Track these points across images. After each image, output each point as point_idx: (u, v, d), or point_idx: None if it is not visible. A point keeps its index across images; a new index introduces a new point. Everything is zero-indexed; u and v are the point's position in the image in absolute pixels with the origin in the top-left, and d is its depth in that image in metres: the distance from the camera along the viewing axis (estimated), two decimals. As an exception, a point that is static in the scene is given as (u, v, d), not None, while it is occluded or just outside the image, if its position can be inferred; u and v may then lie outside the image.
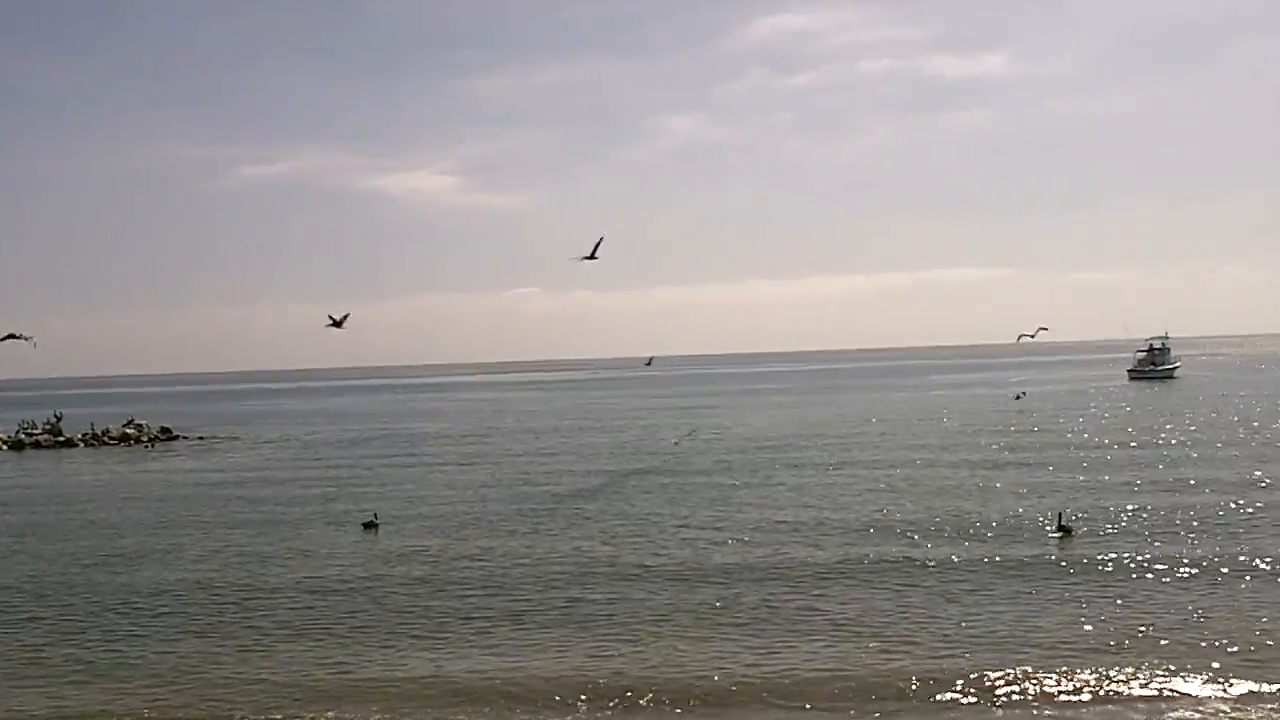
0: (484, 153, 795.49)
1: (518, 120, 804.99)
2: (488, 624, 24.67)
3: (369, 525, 37.96)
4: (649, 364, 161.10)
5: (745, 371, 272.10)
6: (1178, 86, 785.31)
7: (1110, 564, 28.04)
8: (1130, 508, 36.43)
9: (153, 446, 79.73)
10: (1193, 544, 30.28)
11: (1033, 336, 70.09)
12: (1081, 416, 79.90)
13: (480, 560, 31.54)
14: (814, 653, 21.52)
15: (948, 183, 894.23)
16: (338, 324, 43.36)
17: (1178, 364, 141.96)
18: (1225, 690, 18.86)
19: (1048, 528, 33.03)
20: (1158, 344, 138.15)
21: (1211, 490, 39.92)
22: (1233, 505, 36.14)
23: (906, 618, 23.76)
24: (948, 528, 34.04)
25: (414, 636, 23.90)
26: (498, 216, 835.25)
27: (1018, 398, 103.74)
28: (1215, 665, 19.93)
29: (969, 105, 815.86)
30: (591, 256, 40.53)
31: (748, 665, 20.97)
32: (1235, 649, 20.83)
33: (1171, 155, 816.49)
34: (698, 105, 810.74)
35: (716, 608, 25.03)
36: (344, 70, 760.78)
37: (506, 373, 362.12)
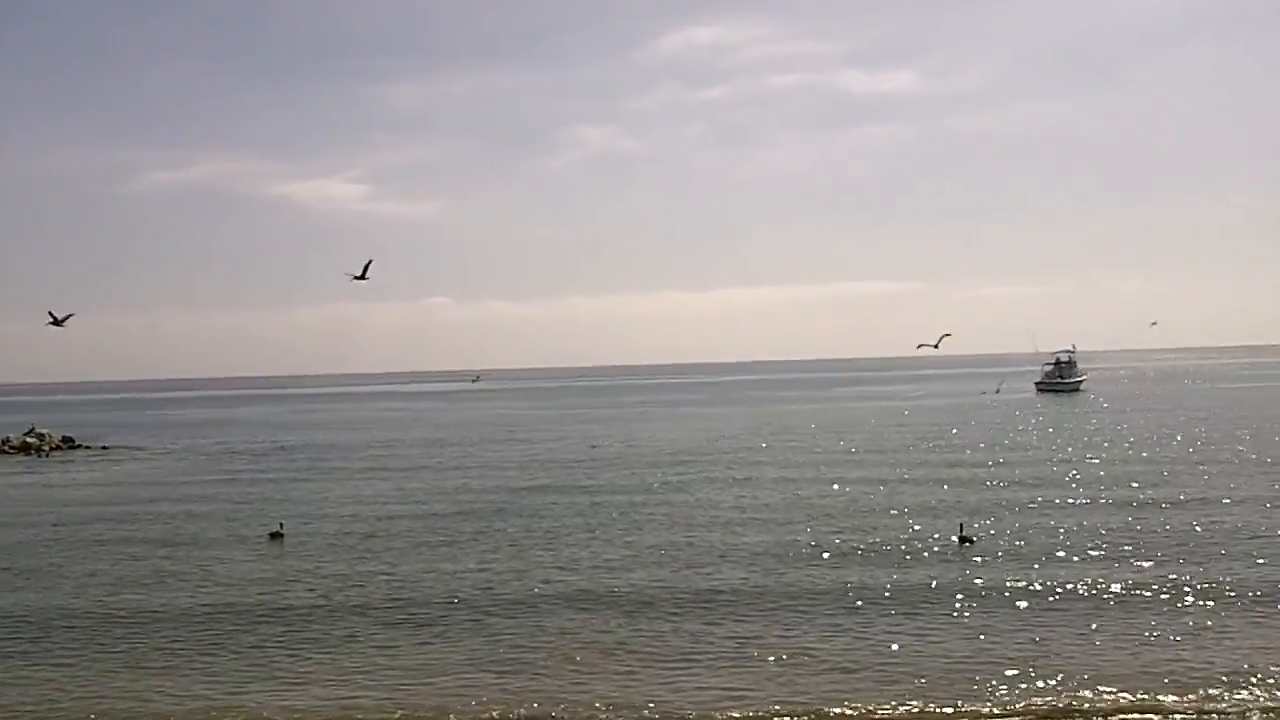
0: (395, 161, 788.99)
1: (429, 128, 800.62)
2: (389, 642, 24.14)
3: (275, 535, 37.48)
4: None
5: (661, 382, 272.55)
6: (1082, 101, 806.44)
7: (1009, 580, 28.05)
8: (1032, 521, 36.89)
9: (48, 456, 77.08)
10: (1092, 560, 30.63)
11: (935, 346, 70.33)
12: (989, 428, 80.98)
13: (384, 577, 30.83)
14: (705, 684, 21.06)
15: (857, 196, 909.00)
16: (58, 323, 41.72)
17: (1084, 377, 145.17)
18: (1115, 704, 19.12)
19: (950, 539, 33.30)
20: (1064, 357, 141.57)
21: (1113, 503, 40.57)
22: (1130, 520, 36.72)
23: (801, 641, 23.65)
24: (849, 544, 34.01)
25: (310, 658, 23.28)
26: (409, 225, 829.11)
27: (998, 391, 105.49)
28: (1105, 687, 20.07)
29: (878, 120, 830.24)
30: (362, 277, 40.25)
31: (644, 694, 20.61)
32: (1123, 669, 21.20)
33: (1076, 169, 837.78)
34: (610, 117, 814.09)
35: (611, 634, 24.49)
36: (253, 76, 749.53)
37: (419, 382, 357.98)
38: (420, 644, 23.93)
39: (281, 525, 38.60)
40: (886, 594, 26.93)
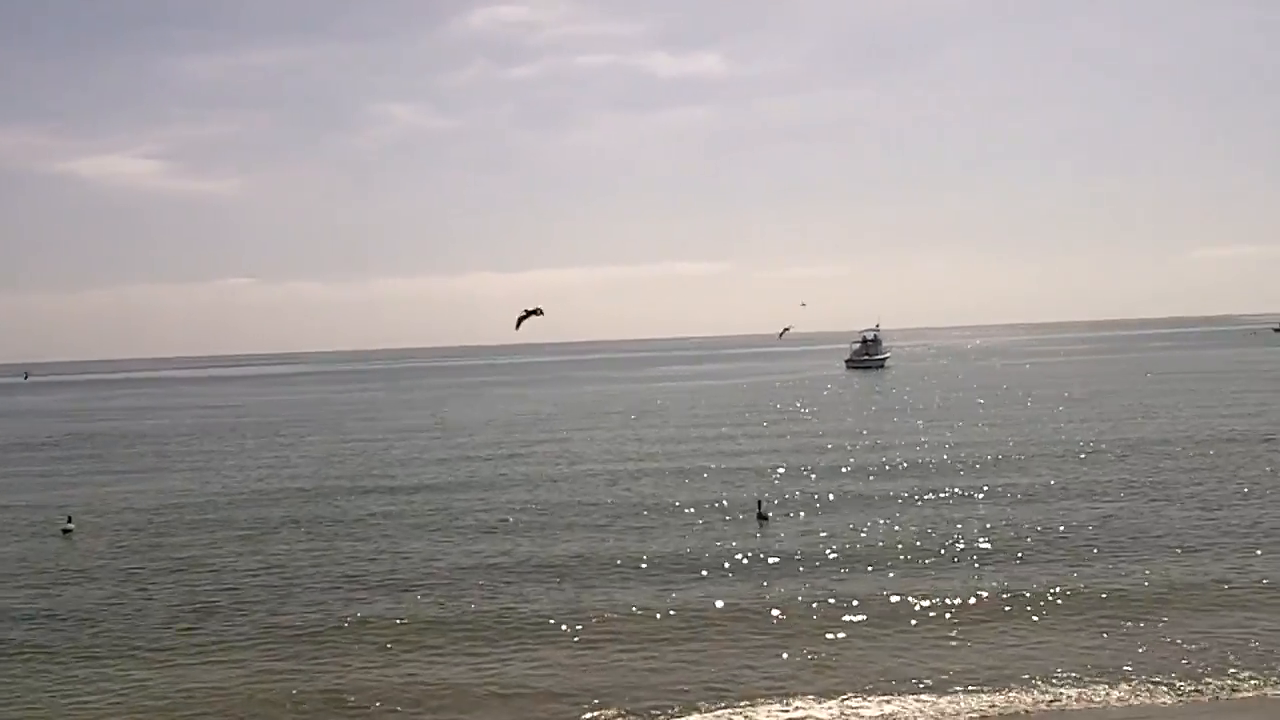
0: (192, 135, 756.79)
1: (229, 102, 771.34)
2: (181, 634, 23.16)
3: (66, 531, 35.59)
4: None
5: (472, 364, 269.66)
6: (885, 89, 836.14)
7: (802, 551, 28.63)
8: (832, 493, 37.95)
9: None
10: (895, 530, 31.62)
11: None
12: (802, 404, 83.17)
13: (179, 571, 29.58)
14: (508, 657, 21.25)
15: (666, 178, 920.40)
16: None
17: (889, 354, 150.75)
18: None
19: (748, 515, 33.95)
20: (870, 335, 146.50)
21: (914, 475, 42.11)
22: (932, 490, 38.02)
23: (597, 615, 23.78)
24: (652, 515, 34.42)
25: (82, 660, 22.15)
26: (207, 202, 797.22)
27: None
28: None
29: (686, 103, 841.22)
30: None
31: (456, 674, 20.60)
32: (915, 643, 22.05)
33: (879, 154, 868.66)
34: (418, 94, 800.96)
35: (412, 614, 24.38)
36: (33, 45, 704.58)
37: (219, 367, 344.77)
38: (206, 638, 22.97)
39: (70, 519, 36.62)
40: (678, 567, 27.15)
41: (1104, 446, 47.62)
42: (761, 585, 25.35)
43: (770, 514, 33.67)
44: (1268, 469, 39.67)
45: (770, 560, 27.73)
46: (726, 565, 27.43)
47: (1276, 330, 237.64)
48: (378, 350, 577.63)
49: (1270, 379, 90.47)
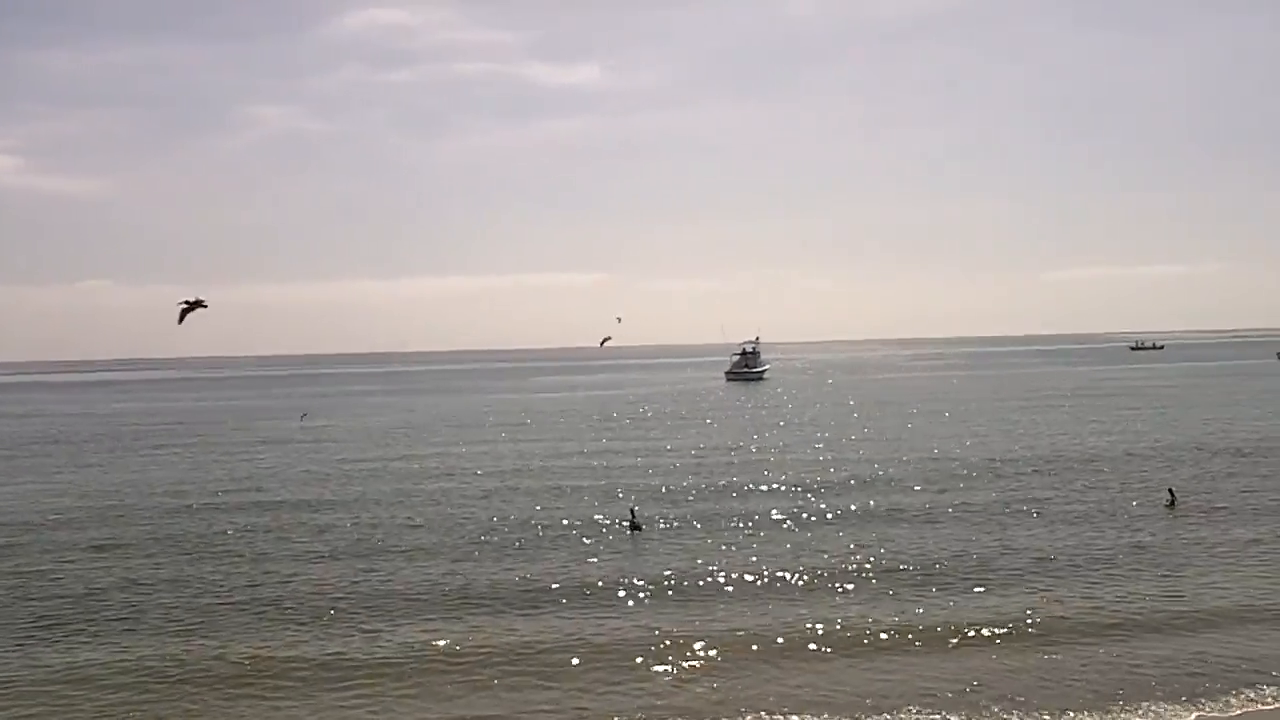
0: (51, 133, 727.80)
1: (91, 100, 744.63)
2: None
3: None
4: None
5: (345, 371, 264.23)
6: (754, 107, 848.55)
7: (673, 568, 28.00)
8: (708, 506, 37.51)
9: None
10: (766, 546, 31.32)
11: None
12: (685, 415, 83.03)
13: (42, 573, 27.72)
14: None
15: (545, 188, 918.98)
16: None
17: (767, 366, 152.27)
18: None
19: (621, 527, 33.28)
20: (750, 348, 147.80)
21: (784, 487, 41.96)
22: (801, 504, 38.02)
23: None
24: (523, 529, 33.49)
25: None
26: (67, 202, 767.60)
27: None
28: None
29: (565, 114, 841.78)
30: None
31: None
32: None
33: (752, 170, 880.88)
34: (291, 96, 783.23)
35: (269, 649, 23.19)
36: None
37: (77, 372, 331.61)
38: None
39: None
40: (555, 586, 26.33)
41: (972, 461, 48.40)
42: (629, 605, 24.61)
43: (643, 525, 33.04)
44: (1139, 486, 40.50)
45: (639, 577, 26.94)
46: (598, 581, 26.60)
47: (1133, 349, 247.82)
48: (246, 357, 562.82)
49: (1138, 395, 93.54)
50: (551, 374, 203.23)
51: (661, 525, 33.66)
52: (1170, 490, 36.26)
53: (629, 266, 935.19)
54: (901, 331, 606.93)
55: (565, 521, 34.66)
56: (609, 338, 68.30)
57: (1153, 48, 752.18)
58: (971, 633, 21.62)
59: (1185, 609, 23.02)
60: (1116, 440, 54.54)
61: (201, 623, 23.64)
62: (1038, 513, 34.29)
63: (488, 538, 32.41)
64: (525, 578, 27.01)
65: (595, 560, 28.88)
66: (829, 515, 34.88)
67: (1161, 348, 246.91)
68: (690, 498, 39.42)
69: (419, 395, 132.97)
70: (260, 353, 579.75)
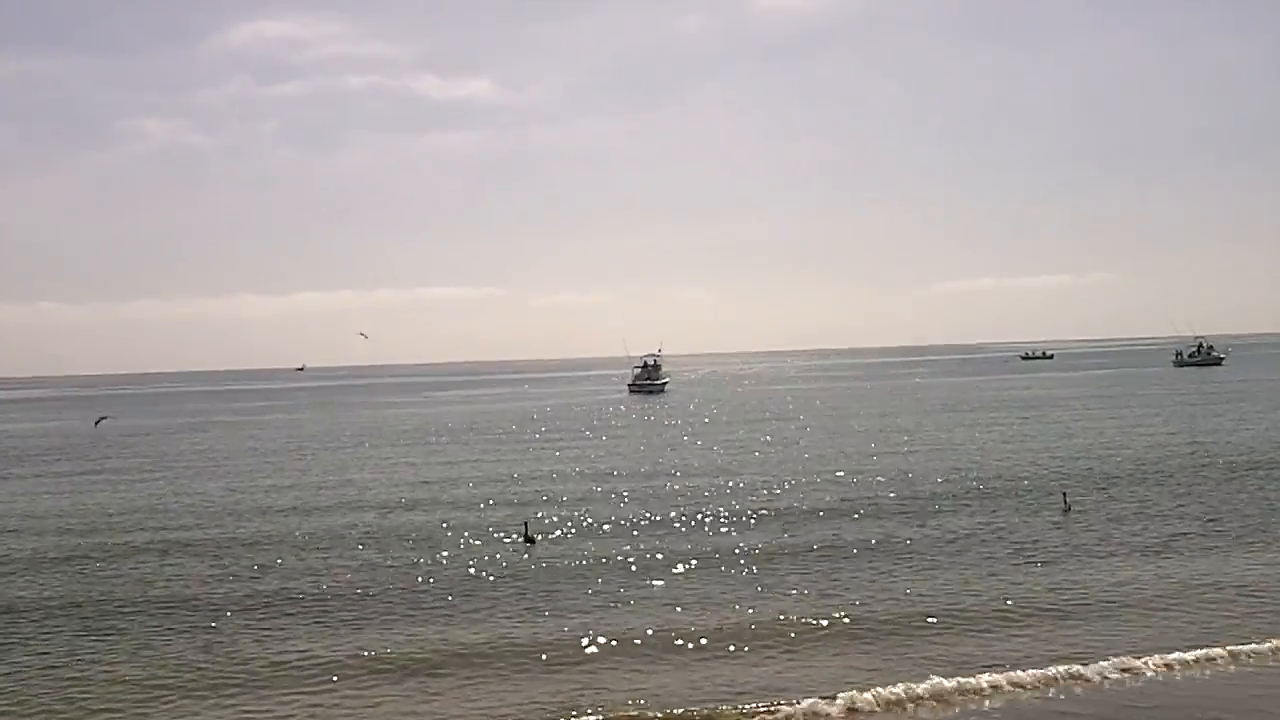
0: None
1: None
2: None
3: None
4: None
5: (233, 388, 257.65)
6: (647, 119, 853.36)
7: (566, 579, 27.78)
8: (600, 515, 37.23)
9: None
10: (660, 552, 31.15)
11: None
12: (588, 427, 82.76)
13: None
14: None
15: (436, 201, 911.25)
16: None
17: (667, 379, 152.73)
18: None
19: (516, 538, 32.91)
20: (651, 360, 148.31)
21: (682, 494, 42.19)
22: (701, 514, 38.11)
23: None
24: (418, 543, 32.89)
25: None
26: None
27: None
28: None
29: (455, 126, 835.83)
30: None
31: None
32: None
33: (639, 184, 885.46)
34: (175, 110, 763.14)
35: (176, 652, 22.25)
36: None
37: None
38: None
39: None
40: (450, 598, 25.90)
41: (877, 468, 49.51)
42: (521, 613, 24.30)
43: (537, 537, 32.68)
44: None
45: (537, 588, 26.73)
46: (492, 593, 26.26)
47: (1024, 358, 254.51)
48: (132, 375, 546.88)
49: (1026, 404, 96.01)
50: (445, 389, 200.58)
51: (554, 536, 33.40)
52: (1064, 494, 37.09)
53: (521, 280, 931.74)
54: (791, 344, 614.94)
55: (465, 533, 34.13)
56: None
57: (1035, 62, 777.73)
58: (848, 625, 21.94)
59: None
60: (1017, 448, 55.85)
61: None
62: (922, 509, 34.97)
63: (389, 550, 31.79)
64: (418, 584, 26.60)
65: (491, 570, 28.41)
66: (723, 520, 35.07)
67: (1051, 357, 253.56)
68: (589, 508, 39.06)
69: (307, 411, 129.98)
70: (142, 370, 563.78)
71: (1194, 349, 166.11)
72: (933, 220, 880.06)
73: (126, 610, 25.44)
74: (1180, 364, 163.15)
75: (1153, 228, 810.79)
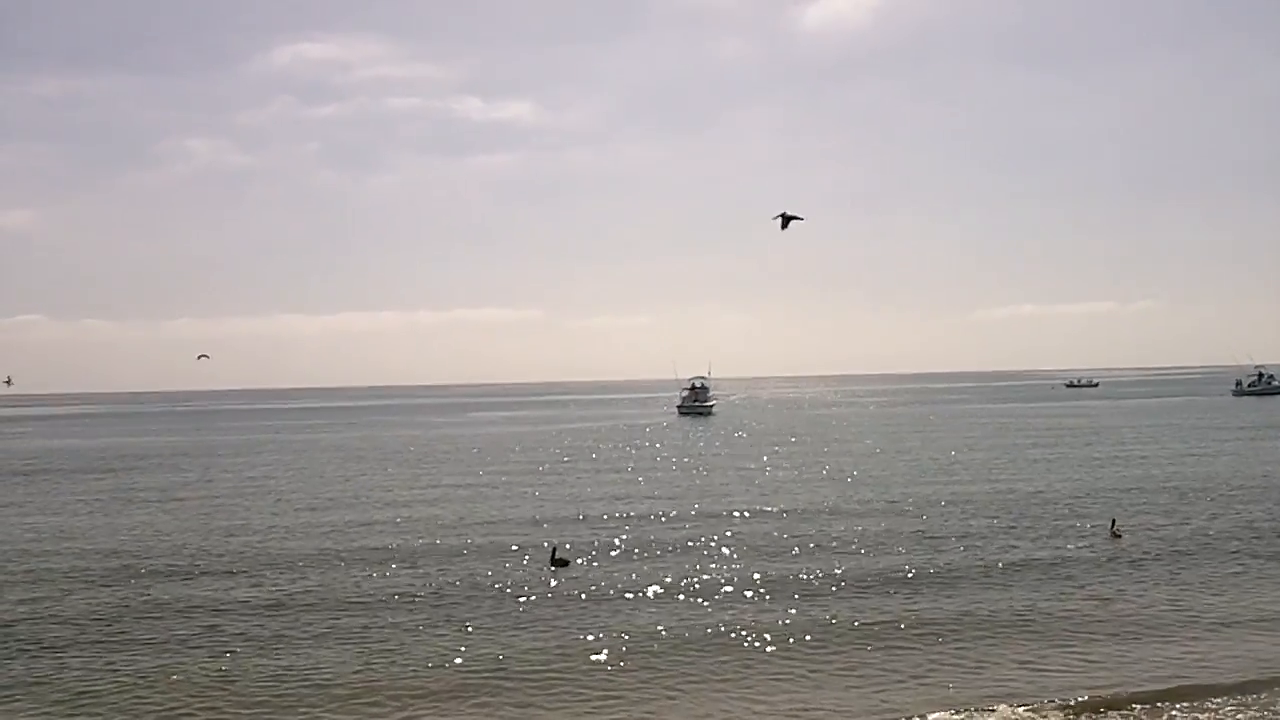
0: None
1: (17, 133, 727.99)
2: None
3: None
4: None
5: (278, 407, 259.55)
6: (687, 144, 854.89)
7: (600, 594, 27.50)
8: (646, 537, 36.75)
9: None
10: (709, 567, 30.63)
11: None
12: (640, 448, 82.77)
13: None
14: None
15: (478, 223, 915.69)
16: None
17: (715, 401, 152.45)
18: None
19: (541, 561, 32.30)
20: (699, 383, 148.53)
21: (738, 517, 41.51)
22: (773, 530, 37.72)
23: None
24: (439, 568, 32.47)
25: None
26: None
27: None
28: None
29: (497, 149, 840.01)
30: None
31: None
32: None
33: (678, 207, 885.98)
34: (218, 130, 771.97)
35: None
36: None
37: (7, 406, 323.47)
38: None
39: None
40: (477, 615, 25.36)
41: (924, 495, 48.76)
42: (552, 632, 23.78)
43: (569, 560, 32.03)
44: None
45: (565, 610, 26.24)
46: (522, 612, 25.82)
47: (1069, 386, 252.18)
48: (174, 392, 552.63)
49: (1093, 431, 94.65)
50: (488, 409, 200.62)
51: (588, 558, 32.86)
52: (1113, 520, 36.25)
53: (559, 301, 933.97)
54: (833, 369, 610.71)
55: (489, 554, 33.86)
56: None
57: (1081, 89, 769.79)
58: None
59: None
60: (1064, 475, 54.88)
61: None
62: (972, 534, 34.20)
63: (425, 562, 31.51)
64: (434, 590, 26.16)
65: (515, 594, 27.92)
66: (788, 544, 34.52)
67: (1096, 385, 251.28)
68: (630, 529, 38.71)
69: (353, 430, 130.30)
70: (191, 388, 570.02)
71: (1254, 378, 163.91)
72: (973, 246, 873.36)
73: (179, 630, 25.38)
74: (1240, 393, 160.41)
75: (1200, 256, 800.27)
